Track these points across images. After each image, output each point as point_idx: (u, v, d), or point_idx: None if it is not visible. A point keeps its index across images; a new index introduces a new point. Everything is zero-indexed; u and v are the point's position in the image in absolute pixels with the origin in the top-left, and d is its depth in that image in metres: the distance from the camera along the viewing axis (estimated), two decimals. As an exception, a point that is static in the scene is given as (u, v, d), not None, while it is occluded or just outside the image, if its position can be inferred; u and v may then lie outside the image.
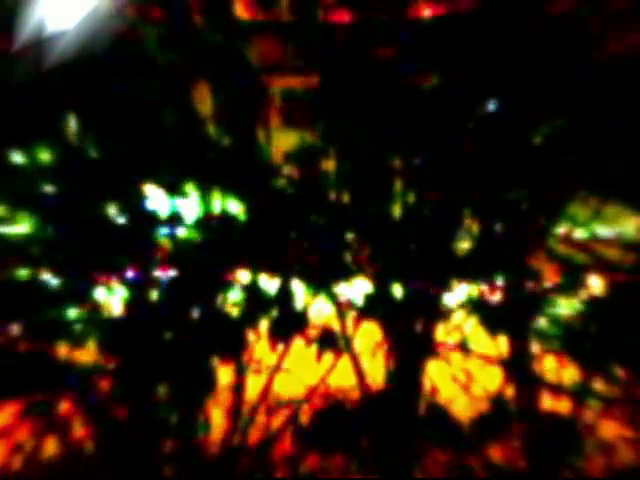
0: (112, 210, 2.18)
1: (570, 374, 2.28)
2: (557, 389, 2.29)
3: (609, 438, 2.31)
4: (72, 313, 2.20)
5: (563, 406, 2.31)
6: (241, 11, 2.21)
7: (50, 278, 2.20)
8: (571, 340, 2.24)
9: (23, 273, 2.19)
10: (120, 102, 2.11)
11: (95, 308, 2.20)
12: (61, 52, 1.81)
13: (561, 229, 2.30)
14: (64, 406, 2.21)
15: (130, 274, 2.20)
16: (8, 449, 2.23)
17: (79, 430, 2.24)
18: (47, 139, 2.15)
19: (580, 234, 2.31)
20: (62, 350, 2.19)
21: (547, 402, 2.33)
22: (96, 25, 1.83)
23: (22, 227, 2.20)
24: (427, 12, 2.25)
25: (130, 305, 2.19)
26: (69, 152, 2.17)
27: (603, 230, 2.32)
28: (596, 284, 2.28)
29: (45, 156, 2.17)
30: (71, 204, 2.16)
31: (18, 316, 2.18)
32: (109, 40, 1.86)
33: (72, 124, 2.17)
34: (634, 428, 2.26)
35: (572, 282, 2.25)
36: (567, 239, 2.29)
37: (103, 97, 2.10)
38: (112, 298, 2.21)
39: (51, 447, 2.25)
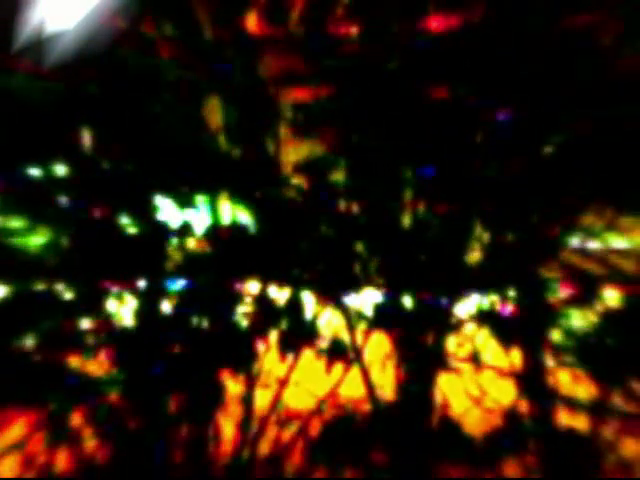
0: (124, 221, 2.21)
1: (586, 389, 2.23)
2: (573, 404, 2.24)
3: (628, 455, 2.26)
4: (84, 324, 2.22)
5: (580, 422, 2.26)
6: (252, 24, 2.23)
7: (64, 289, 2.22)
8: (586, 353, 2.20)
9: (39, 284, 2.22)
10: (131, 115, 2.14)
11: (107, 319, 2.21)
12: (61, 53, 1.84)
13: (575, 240, 2.26)
14: (76, 418, 2.22)
15: (141, 285, 2.21)
16: (21, 462, 2.24)
17: (91, 442, 2.25)
18: (61, 152, 2.19)
19: (594, 245, 2.28)
20: (74, 361, 2.21)
21: (563, 417, 2.29)
22: (97, 29, 1.87)
23: (39, 239, 2.23)
24: (437, 24, 2.26)
25: (141, 316, 2.20)
26: (83, 165, 2.20)
27: (618, 241, 2.29)
28: (611, 296, 2.23)
29: (60, 169, 2.21)
30: (85, 215, 2.19)
31: (33, 327, 2.20)
32: (110, 45, 1.90)
33: (85, 137, 2.20)
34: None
35: (587, 294, 2.22)
36: (581, 250, 2.25)
37: (114, 111, 2.13)
38: (123, 309, 2.22)
39: (63, 459, 2.25)
